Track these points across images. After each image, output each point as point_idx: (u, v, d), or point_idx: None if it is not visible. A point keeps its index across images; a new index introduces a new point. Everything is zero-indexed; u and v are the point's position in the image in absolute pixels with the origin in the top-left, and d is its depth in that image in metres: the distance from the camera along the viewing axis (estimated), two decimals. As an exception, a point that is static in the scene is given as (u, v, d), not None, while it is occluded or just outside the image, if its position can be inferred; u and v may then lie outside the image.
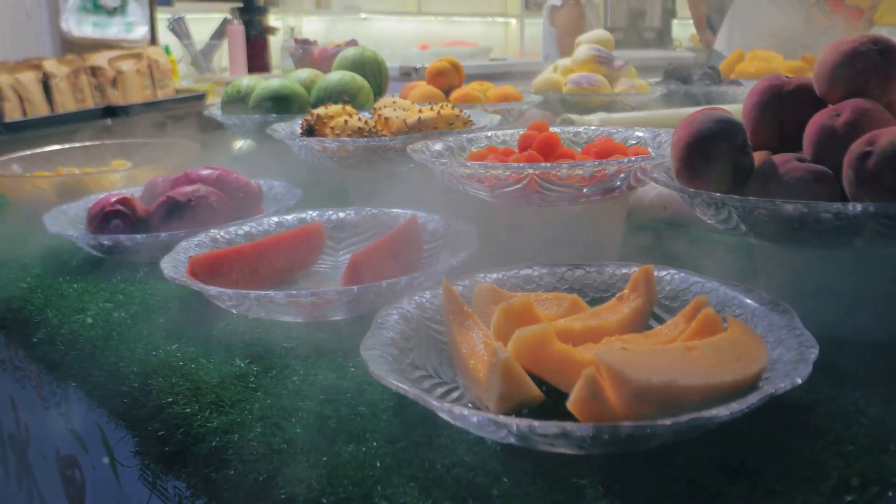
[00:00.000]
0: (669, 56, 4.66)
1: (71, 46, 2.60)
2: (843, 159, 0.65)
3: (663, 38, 5.76)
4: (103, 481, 0.87)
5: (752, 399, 0.50)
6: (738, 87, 1.93)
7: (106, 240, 1.02)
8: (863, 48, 0.71)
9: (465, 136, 1.07)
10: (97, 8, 2.73)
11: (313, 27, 4.97)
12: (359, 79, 1.46)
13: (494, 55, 5.26)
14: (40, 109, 2.12)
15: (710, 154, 0.71)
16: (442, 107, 1.16)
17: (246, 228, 1.01)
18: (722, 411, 0.48)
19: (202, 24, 4.16)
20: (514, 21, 6.19)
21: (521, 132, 1.02)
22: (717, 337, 0.59)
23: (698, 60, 4.07)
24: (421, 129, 1.12)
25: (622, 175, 0.84)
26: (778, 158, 0.70)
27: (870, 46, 0.71)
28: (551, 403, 0.58)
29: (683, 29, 6.52)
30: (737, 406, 0.49)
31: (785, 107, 0.74)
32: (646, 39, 5.64)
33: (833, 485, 0.50)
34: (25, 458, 1.11)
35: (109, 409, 0.76)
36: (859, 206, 0.61)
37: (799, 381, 0.52)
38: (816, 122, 0.70)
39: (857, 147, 0.64)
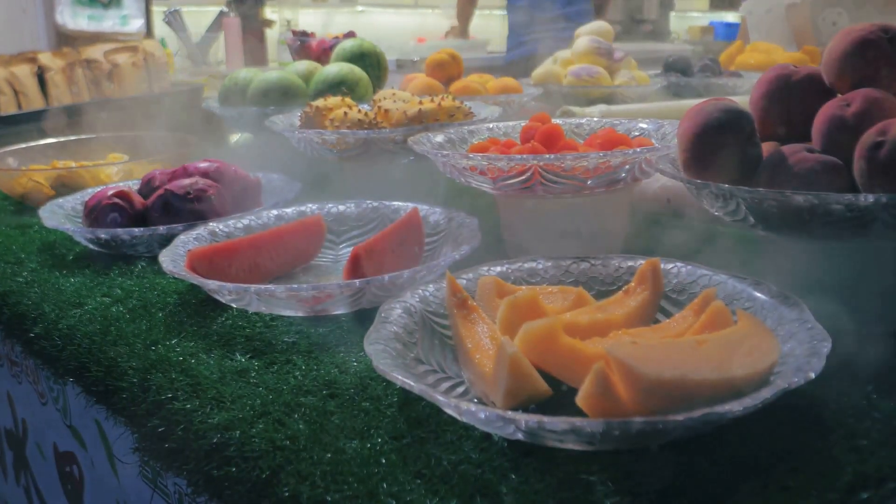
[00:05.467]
0: (667, 48, 4.64)
1: (66, 40, 2.58)
2: (854, 150, 0.64)
3: (661, 30, 5.75)
4: (102, 478, 0.85)
5: (766, 393, 0.49)
6: (739, 78, 1.92)
7: (103, 233, 1.00)
8: (872, 36, 0.70)
9: (466, 127, 1.06)
10: (92, 1, 2.71)
11: (309, 20, 4.94)
12: (358, 71, 1.44)
13: (492, 48, 5.25)
14: (35, 103, 2.10)
15: (717, 144, 0.70)
16: (442, 98, 1.15)
17: (245, 222, 1.00)
18: (735, 406, 0.47)
19: (198, 17, 4.14)
20: (511, 14, 6.16)
21: (523, 124, 1.00)
22: (727, 330, 0.58)
23: (696, 52, 4.06)
24: (421, 120, 1.11)
25: (627, 167, 0.83)
26: (787, 149, 0.68)
27: (880, 35, 0.70)
28: (559, 398, 0.57)
29: (681, 21, 6.52)
30: (750, 401, 0.48)
31: (793, 97, 0.73)
32: (643, 32, 5.63)
33: (848, 480, 0.49)
34: (23, 454, 1.10)
35: (108, 406, 0.75)
36: (871, 197, 0.60)
37: (812, 375, 0.51)
38: (826, 112, 0.69)
39: (868, 137, 0.63)
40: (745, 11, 2.42)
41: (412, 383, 0.54)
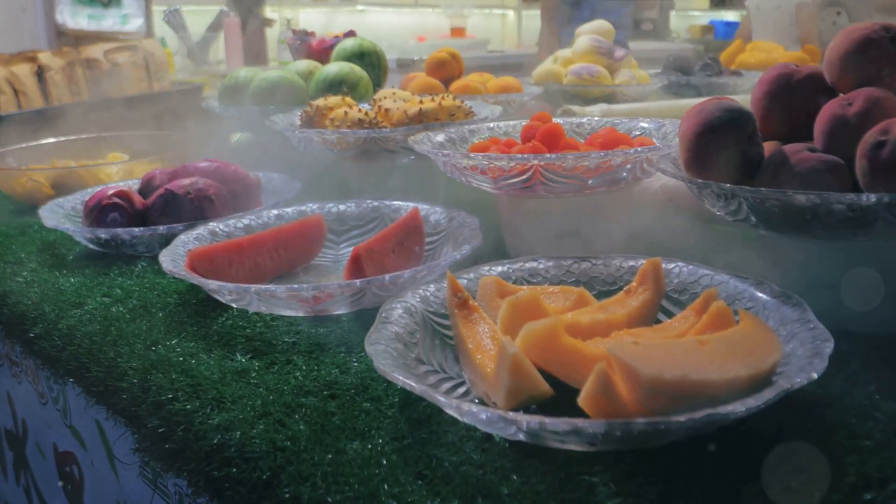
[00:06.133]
0: (668, 47, 4.64)
1: (66, 39, 2.58)
2: (856, 149, 0.64)
3: (661, 29, 5.75)
4: (102, 478, 0.85)
5: (769, 394, 0.48)
6: (739, 77, 1.92)
7: (103, 233, 1.00)
8: (875, 35, 0.69)
9: (466, 127, 1.06)
10: (92, 0, 2.71)
11: (310, 19, 4.95)
12: (358, 70, 1.44)
13: (492, 47, 5.25)
14: (35, 102, 2.10)
15: (719, 144, 0.70)
16: (443, 98, 1.15)
17: (245, 221, 1.00)
18: (738, 407, 0.47)
19: (198, 17, 4.14)
20: (511, 13, 6.17)
21: (524, 123, 1.00)
22: (729, 330, 0.58)
23: (696, 51, 4.06)
24: (422, 120, 1.11)
25: (628, 166, 0.83)
26: (789, 148, 0.68)
27: (882, 34, 0.69)
28: (560, 398, 0.57)
29: (682, 20, 6.52)
30: (753, 402, 0.48)
31: (795, 96, 0.73)
32: (643, 31, 5.62)
33: (851, 482, 0.49)
34: (23, 454, 1.10)
35: (108, 406, 0.75)
36: (873, 197, 0.60)
37: (815, 375, 0.51)
38: (828, 112, 0.68)
39: (870, 136, 0.63)
40: (752, 6, 2.41)
41: (413, 384, 0.54)
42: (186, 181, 1.06)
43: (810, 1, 2.17)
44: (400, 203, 1.01)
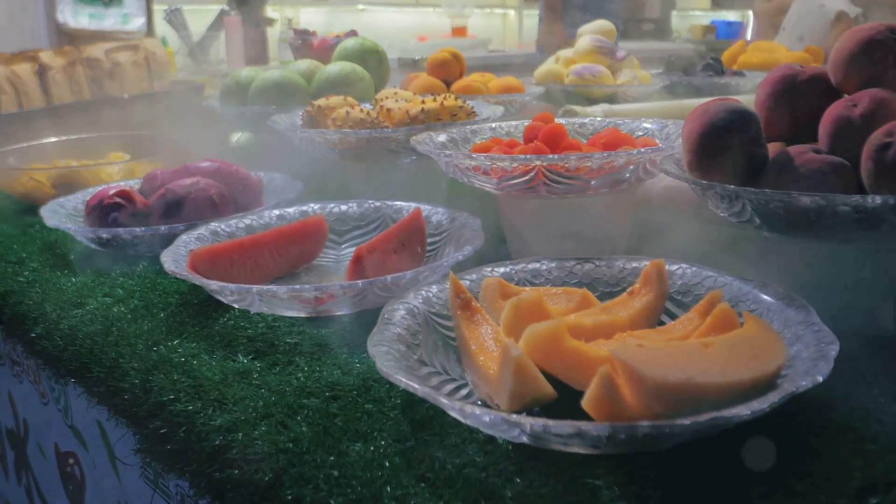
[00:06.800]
0: (669, 47, 4.64)
1: (67, 38, 2.57)
2: (861, 150, 0.64)
3: (663, 29, 5.74)
4: (104, 479, 0.85)
5: (774, 397, 0.48)
6: (741, 78, 1.92)
7: (105, 233, 1.00)
8: (880, 36, 0.69)
9: (468, 127, 1.05)
10: (93, -1, 2.71)
11: (311, 18, 4.94)
12: (360, 70, 1.44)
13: (493, 47, 5.25)
14: (36, 101, 2.10)
15: (723, 145, 0.69)
16: (445, 98, 1.14)
17: (247, 221, 0.99)
18: (743, 410, 0.47)
19: (199, 16, 4.14)
20: (512, 13, 6.16)
21: (526, 123, 1.00)
22: (733, 333, 0.58)
23: (698, 51, 4.05)
24: (424, 120, 1.10)
25: (631, 167, 0.83)
26: (793, 150, 0.68)
27: (887, 34, 0.69)
28: (563, 401, 0.57)
29: (683, 20, 6.51)
30: (758, 405, 0.47)
31: (799, 97, 0.73)
32: (644, 31, 5.62)
33: (857, 485, 0.48)
34: (24, 453, 1.09)
35: (109, 406, 0.74)
36: (878, 199, 0.59)
37: (820, 378, 0.50)
38: (833, 113, 0.68)
39: (875, 138, 0.63)
40: None
41: (416, 386, 0.54)
42: (188, 181, 1.06)
43: (853, 16, 2.17)
44: (402, 203, 1.01)
